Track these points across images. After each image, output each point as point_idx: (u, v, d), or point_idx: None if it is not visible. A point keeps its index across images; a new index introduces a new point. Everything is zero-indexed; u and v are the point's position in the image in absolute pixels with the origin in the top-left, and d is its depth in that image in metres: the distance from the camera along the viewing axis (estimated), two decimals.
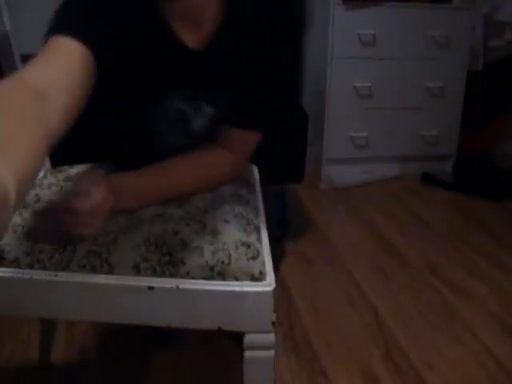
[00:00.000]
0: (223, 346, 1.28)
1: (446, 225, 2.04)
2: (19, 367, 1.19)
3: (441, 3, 2.34)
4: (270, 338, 0.70)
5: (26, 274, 0.70)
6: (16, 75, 0.60)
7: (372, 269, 1.64)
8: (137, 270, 0.70)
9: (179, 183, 0.86)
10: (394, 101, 2.42)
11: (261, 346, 0.71)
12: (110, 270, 0.70)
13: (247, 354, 0.71)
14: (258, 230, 0.79)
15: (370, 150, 2.48)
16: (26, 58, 0.66)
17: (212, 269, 0.69)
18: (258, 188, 0.96)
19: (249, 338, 0.70)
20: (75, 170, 0.99)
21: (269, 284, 0.69)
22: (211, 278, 0.69)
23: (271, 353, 0.71)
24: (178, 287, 0.68)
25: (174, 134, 0.94)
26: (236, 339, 1.27)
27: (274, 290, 0.68)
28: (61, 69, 0.66)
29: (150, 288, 0.68)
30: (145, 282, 0.69)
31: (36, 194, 0.87)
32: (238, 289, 0.68)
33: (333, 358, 1.25)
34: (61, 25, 0.72)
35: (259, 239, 0.77)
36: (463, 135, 2.56)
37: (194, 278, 0.69)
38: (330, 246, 1.82)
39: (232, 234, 0.75)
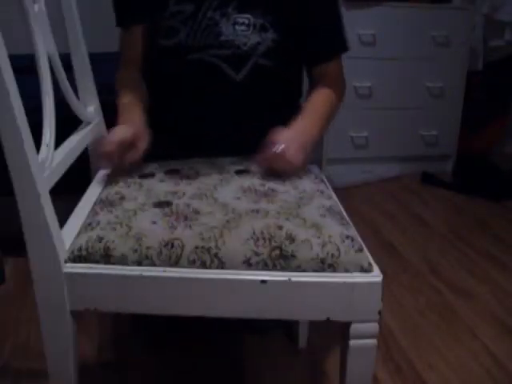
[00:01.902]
0: (225, 347, 1.29)
1: (446, 225, 2.04)
2: (19, 367, 1.19)
3: (441, 3, 2.34)
4: (375, 327, 0.72)
5: (134, 270, 0.70)
6: None
7: None
8: (248, 265, 0.70)
9: (325, 122, 1.05)
10: (394, 101, 2.42)
11: (366, 335, 0.72)
12: (221, 265, 0.70)
13: (352, 343, 0.72)
14: (350, 224, 0.81)
15: (370, 150, 2.48)
16: None
17: (323, 261, 0.70)
18: (328, 184, 0.99)
19: (354, 328, 0.72)
20: (150, 167, 0.98)
21: (378, 275, 0.71)
22: (322, 270, 0.70)
23: (375, 341, 0.73)
24: (290, 280, 0.69)
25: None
26: (259, 332, 1.30)
27: (383, 281, 0.70)
28: None
29: (263, 282, 0.69)
30: (257, 275, 0.70)
31: (117, 193, 0.87)
32: (349, 280, 0.70)
33: (333, 358, 1.25)
34: None
35: (356, 233, 0.79)
36: (463, 135, 2.56)
37: (305, 271, 0.70)
38: None
39: (333, 227, 0.76)
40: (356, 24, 2.25)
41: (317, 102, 1.06)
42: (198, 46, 1.02)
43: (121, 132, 0.89)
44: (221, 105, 1.05)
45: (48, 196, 0.69)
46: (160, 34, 1.04)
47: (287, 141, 0.89)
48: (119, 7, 1.07)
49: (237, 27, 1.00)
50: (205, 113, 1.06)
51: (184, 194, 0.85)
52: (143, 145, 0.91)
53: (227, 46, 1.01)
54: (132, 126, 0.92)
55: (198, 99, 1.06)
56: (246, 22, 1.00)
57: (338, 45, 1.10)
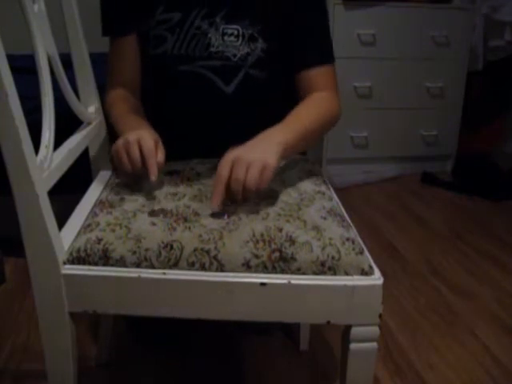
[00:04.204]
0: (225, 347, 1.28)
1: (446, 225, 2.04)
2: (19, 367, 1.19)
3: (441, 3, 2.34)
4: (376, 330, 0.72)
5: (133, 272, 0.70)
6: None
7: None
8: (247, 267, 0.70)
9: (312, 128, 0.94)
10: (393, 101, 2.42)
11: (367, 339, 0.72)
12: (220, 267, 0.70)
13: (353, 346, 0.72)
14: (351, 226, 0.80)
15: (370, 150, 2.48)
16: None
17: (323, 264, 0.70)
18: (330, 185, 0.98)
19: (355, 331, 0.71)
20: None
21: (378, 278, 0.71)
22: (322, 273, 0.70)
23: (375, 345, 0.72)
24: (290, 282, 0.69)
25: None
26: (260, 333, 1.31)
27: (383, 284, 0.70)
28: None
29: (263, 284, 0.69)
30: (257, 278, 0.69)
31: (117, 194, 0.87)
32: (349, 283, 0.69)
33: (333, 358, 1.25)
34: None
35: (356, 235, 0.78)
36: (463, 135, 2.56)
37: (305, 274, 0.70)
38: None
39: (334, 229, 0.75)
40: (356, 24, 2.25)
41: (297, 110, 0.96)
42: (187, 57, 1.01)
43: (151, 141, 0.84)
44: (211, 117, 1.04)
45: (46, 197, 0.69)
46: (148, 43, 1.03)
47: (234, 160, 0.78)
48: (107, 17, 1.05)
49: (226, 38, 0.99)
50: (195, 125, 1.04)
51: (184, 195, 0.85)
52: (162, 154, 0.87)
53: (217, 57, 1.00)
54: (150, 133, 0.88)
55: (188, 111, 1.05)
56: (235, 32, 0.99)
57: (322, 52, 1.04)
